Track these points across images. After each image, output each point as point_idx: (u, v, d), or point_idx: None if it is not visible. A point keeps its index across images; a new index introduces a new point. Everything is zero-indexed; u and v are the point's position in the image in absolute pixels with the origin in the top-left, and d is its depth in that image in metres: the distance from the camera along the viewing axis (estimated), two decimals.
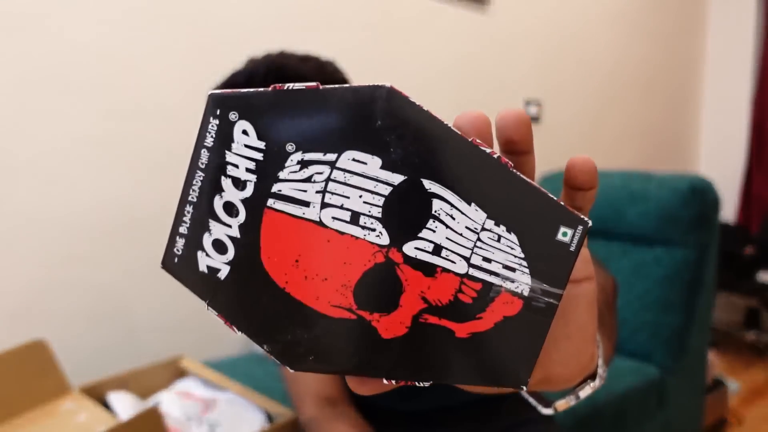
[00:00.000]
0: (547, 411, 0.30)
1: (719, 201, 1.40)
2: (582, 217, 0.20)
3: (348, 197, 0.19)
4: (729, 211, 2.83)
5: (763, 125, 2.74)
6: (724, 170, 2.87)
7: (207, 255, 0.20)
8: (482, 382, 0.21)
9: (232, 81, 0.65)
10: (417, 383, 0.21)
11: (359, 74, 1.51)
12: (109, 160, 1.17)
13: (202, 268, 0.20)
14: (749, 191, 2.79)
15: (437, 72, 1.73)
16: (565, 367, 0.25)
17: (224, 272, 0.20)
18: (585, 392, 0.29)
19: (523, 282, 0.20)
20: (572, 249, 0.20)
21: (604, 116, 2.37)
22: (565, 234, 0.20)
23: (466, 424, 0.81)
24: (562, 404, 0.30)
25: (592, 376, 0.30)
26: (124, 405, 0.89)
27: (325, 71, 0.68)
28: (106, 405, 0.92)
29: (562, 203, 0.20)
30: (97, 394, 0.93)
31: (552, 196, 0.20)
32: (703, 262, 1.38)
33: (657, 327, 1.36)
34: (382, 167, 0.19)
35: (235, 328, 0.20)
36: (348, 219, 0.19)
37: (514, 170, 0.20)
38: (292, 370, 0.21)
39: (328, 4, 1.46)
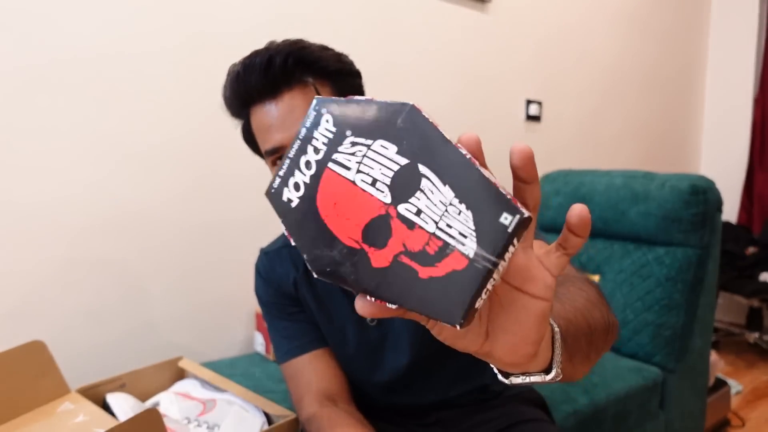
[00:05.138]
0: (503, 380, 0.37)
1: (721, 201, 1.39)
2: (521, 209, 0.27)
3: (373, 168, 0.30)
4: (731, 211, 2.82)
5: (766, 124, 2.73)
6: (725, 170, 2.86)
7: (288, 190, 0.32)
8: (429, 314, 0.28)
9: (252, 60, 0.66)
10: (388, 304, 0.29)
11: None
12: (110, 160, 1.16)
13: (285, 198, 0.32)
14: (751, 191, 2.78)
15: (437, 71, 1.72)
16: (505, 354, 0.32)
17: (295, 203, 0.32)
18: (534, 378, 0.37)
19: (471, 247, 0.27)
20: (509, 230, 0.27)
21: (604, 116, 2.36)
22: (506, 218, 0.27)
23: (466, 422, 0.81)
24: (516, 380, 0.37)
25: (546, 371, 0.37)
26: (123, 406, 0.88)
27: (343, 60, 0.71)
28: (104, 406, 0.91)
29: (509, 196, 0.27)
30: (96, 395, 0.93)
31: (503, 190, 0.27)
32: (704, 263, 1.37)
33: (658, 327, 1.35)
34: (397, 153, 0.29)
35: (292, 240, 0.32)
36: (370, 182, 0.30)
37: (479, 168, 0.27)
38: (317, 276, 0.31)
39: (328, 3, 1.46)
